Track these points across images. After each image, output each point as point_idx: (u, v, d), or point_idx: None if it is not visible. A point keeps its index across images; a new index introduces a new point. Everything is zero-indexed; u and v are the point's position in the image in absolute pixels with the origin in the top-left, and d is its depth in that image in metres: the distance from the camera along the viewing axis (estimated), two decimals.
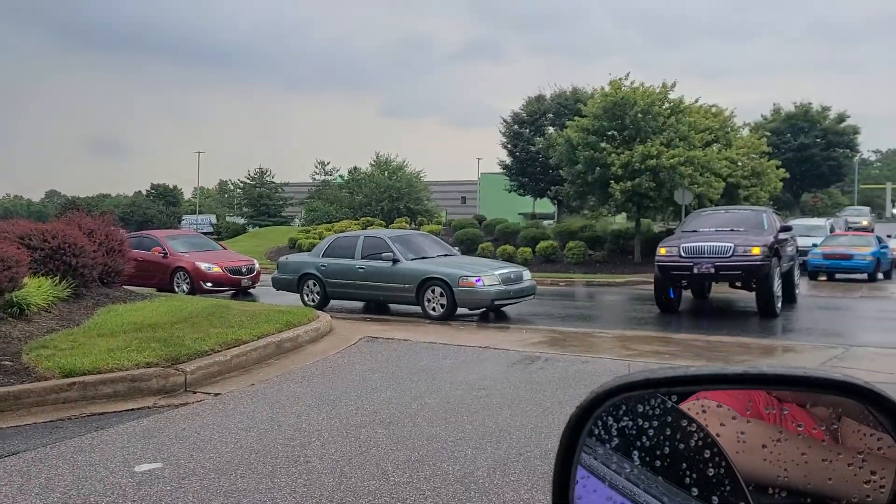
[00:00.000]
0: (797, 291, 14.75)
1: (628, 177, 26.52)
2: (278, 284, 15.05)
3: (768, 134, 45.38)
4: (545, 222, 44.22)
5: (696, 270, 11.91)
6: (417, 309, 12.90)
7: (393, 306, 14.10)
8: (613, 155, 27.07)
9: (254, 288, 17.84)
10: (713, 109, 30.64)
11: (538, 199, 43.92)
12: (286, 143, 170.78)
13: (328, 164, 68.66)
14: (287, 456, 4.55)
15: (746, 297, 13.53)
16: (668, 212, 29.53)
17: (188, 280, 16.75)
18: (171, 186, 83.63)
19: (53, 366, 6.33)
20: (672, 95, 28.56)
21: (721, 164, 27.49)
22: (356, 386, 6.62)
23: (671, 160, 25.76)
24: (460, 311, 12.75)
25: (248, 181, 69.56)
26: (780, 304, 12.21)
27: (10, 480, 4.15)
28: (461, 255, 15.67)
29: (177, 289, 16.64)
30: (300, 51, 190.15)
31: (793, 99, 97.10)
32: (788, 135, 55.35)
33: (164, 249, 17.33)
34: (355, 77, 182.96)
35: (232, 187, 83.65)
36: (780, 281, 12.31)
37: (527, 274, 13.56)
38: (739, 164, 29.49)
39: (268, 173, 69.50)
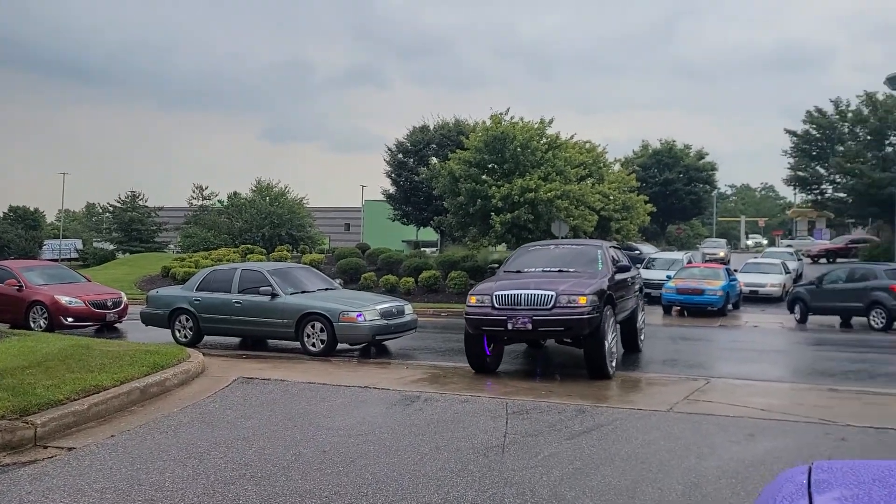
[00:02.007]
0: (641, 338, 12.88)
1: (508, 209, 27.29)
2: (148, 320, 14.28)
3: (637, 169, 48.14)
4: (428, 250, 44.58)
5: (510, 326, 9.53)
6: (297, 344, 12.59)
7: (272, 342, 13.70)
8: (494, 188, 27.79)
9: (121, 322, 16.84)
10: (587, 145, 32.22)
11: (422, 227, 44.27)
12: (161, 165, 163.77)
13: (206, 188, 66.26)
14: None
15: None
16: None
17: (46, 315, 15.59)
18: (31, 209, 77.93)
19: None
20: (549, 131, 29.76)
21: (595, 198, 28.85)
22: (227, 435, 6.33)
23: (548, 193, 26.75)
24: (341, 346, 12.56)
25: (119, 204, 65.97)
26: (614, 363, 10.04)
27: None
28: (342, 288, 15.46)
29: (33, 325, 15.44)
30: (175, 70, 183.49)
31: (659, 136, 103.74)
32: (655, 170, 58.93)
33: (19, 282, 16.08)
34: (235, 99, 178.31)
35: (101, 211, 79.18)
36: (615, 334, 10.35)
37: (408, 308, 13.55)
38: (611, 197, 31.00)
39: (141, 196, 66.25)
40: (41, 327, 15.32)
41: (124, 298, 17.24)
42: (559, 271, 10.79)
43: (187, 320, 13.59)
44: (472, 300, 10.07)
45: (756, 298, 25.74)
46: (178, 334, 13.61)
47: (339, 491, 4.80)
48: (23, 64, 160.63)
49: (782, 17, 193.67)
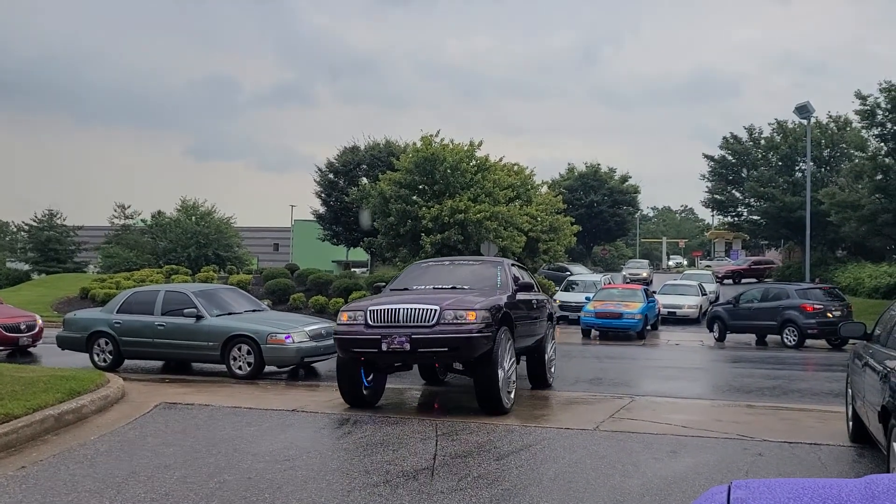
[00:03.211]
0: (551, 372, 11.12)
1: (438, 230, 27.47)
2: (64, 343, 13.68)
3: (564, 191, 49.23)
4: (359, 271, 44.30)
5: (385, 347, 8.09)
6: (223, 367, 12.29)
7: (196, 365, 13.33)
8: (424, 208, 27.95)
9: (35, 347, 16.08)
10: (515, 167, 32.79)
11: (352, 248, 44.01)
12: (80, 183, 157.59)
13: (129, 207, 64.04)
14: None
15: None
16: None
17: None
18: None
19: None
20: (479, 153, 30.18)
21: (523, 220, 29.34)
22: (147, 464, 6.11)
23: (478, 215, 27.09)
24: (269, 369, 12.33)
25: (35, 223, 63.10)
26: (511, 394, 8.76)
27: None
28: (271, 310, 15.21)
29: None
30: (91, 85, 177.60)
31: (583, 159, 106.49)
32: (581, 192, 60.49)
33: None
34: (157, 116, 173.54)
35: (15, 229, 75.55)
36: (513, 360, 8.95)
37: None
38: (539, 219, 31.56)
39: (58, 215, 63.55)
40: None
41: (39, 321, 16.47)
42: (451, 289, 9.41)
43: (107, 344, 13.09)
44: (344, 317, 8.59)
45: (674, 320, 26.54)
46: (96, 358, 13.08)
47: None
48: None
49: (695, 46, 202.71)
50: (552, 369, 11.30)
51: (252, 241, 69.84)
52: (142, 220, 59.96)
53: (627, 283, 37.61)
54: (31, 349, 16.07)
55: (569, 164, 65.19)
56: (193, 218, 50.65)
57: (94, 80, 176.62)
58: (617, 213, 61.85)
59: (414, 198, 29.12)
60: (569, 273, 35.18)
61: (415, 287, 9.68)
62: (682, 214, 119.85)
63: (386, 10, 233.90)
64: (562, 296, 27.80)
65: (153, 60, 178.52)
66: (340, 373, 8.86)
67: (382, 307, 8.42)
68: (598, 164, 63.23)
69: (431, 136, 29.61)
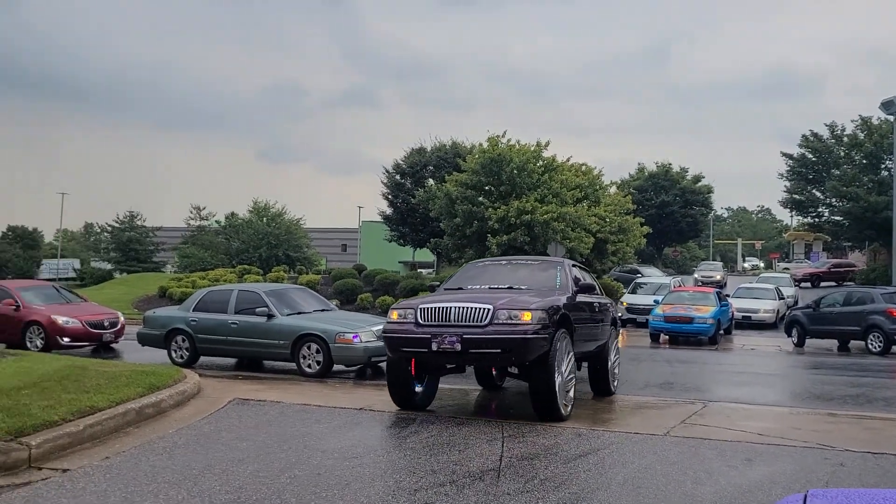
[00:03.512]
0: (614, 380, 10.54)
1: (504, 230, 27.39)
2: (144, 340, 14.25)
3: (633, 192, 48.35)
4: (425, 272, 44.60)
5: (435, 347, 7.78)
6: (293, 365, 12.57)
7: (268, 363, 13.67)
8: (490, 209, 27.91)
9: (117, 343, 16.80)
10: (583, 168, 32.40)
11: (418, 249, 44.34)
12: (159, 185, 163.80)
13: (204, 208, 66.33)
14: None
15: None
16: None
17: (43, 335, 15.55)
18: (30, 229, 77.90)
19: None
20: (546, 153, 29.96)
21: (591, 221, 28.96)
22: (222, 457, 6.30)
23: (545, 216, 26.88)
24: (337, 367, 12.54)
25: (117, 224, 66.03)
26: (570, 402, 8.34)
27: None
28: (339, 309, 15.47)
29: (30, 345, 15.39)
30: (172, 92, 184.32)
31: (653, 158, 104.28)
32: (651, 192, 59.20)
33: (16, 302, 16.05)
34: (231, 120, 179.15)
35: (99, 230, 79.22)
36: (571, 367, 8.44)
37: None
38: (607, 220, 31.10)
39: (139, 216, 66.35)
40: (37, 347, 15.27)
41: (121, 318, 17.21)
42: (508, 289, 8.98)
43: (183, 341, 13.57)
44: (394, 315, 8.37)
45: (748, 324, 25.66)
46: (174, 355, 13.58)
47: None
48: (19, 83, 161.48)
49: (773, 41, 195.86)
50: (616, 377, 10.75)
51: (321, 242, 71.25)
52: (216, 221, 62.00)
53: (699, 285, 36.66)
54: (113, 345, 16.80)
55: (639, 164, 64.02)
56: (265, 219, 52.04)
57: (171, 87, 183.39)
58: (689, 214, 60.33)
59: (480, 199, 29.12)
60: (640, 275, 34.54)
61: (469, 287, 9.35)
62: (759, 215, 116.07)
63: (451, 13, 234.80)
64: (629, 298, 27.31)
65: (226, 67, 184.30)
66: (391, 374, 8.64)
67: (433, 305, 8.12)
68: (670, 164, 61.84)
69: (498, 136, 29.57)
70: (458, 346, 7.73)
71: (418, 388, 8.78)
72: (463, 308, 7.95)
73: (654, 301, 24.00)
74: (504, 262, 10.68)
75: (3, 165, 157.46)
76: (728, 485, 5.68)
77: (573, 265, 10.26)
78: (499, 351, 7.82)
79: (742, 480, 5.82)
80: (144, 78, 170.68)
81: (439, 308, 8.05)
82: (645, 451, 6.76)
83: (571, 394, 8.43)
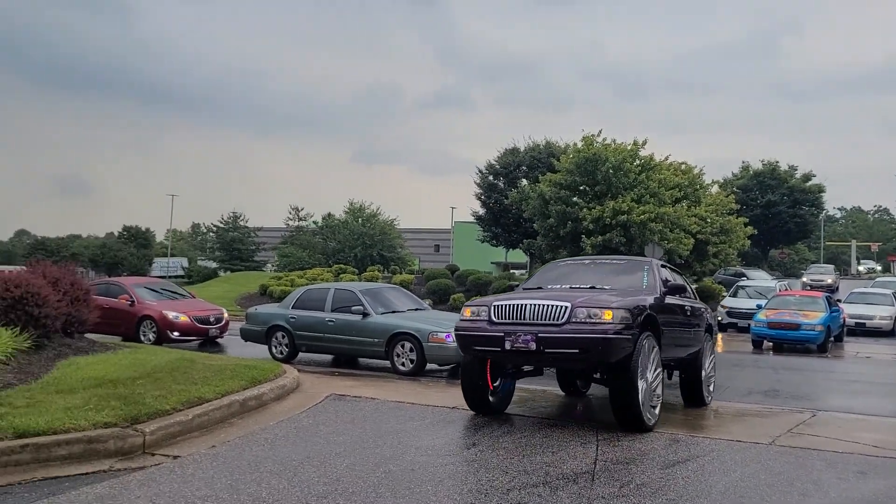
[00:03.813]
0: (709, 390, 9.83)
1: (599, 231, 26.90)
2: (247, 336, 14.85)
3: (737, 191, 46.45)
4: (517, 272, 44.41)
5: (508, 346, 7.45)
6: (387, 363, 12.79)
7: (362, 360, 13.97)
8: (585, 210, 27.48)
9: (221, 338, 17.57)
10: (683, 166, 31.39)
11: (511, 249, 44.19)
12: (260, 187, 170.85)
13: (302, 209, 68.54)
14: None
15: None
16: None
17: (155, 329, 16.46)
18: (143, 229, 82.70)
19: (6, 426, 6.13)
20: (643, 152, 29.22)
21: (690, 221, 28.04)
22: (320, 450, 6.49)
23: (641, 216, 26.21)
24: (430, 366, 12.67)
25: (222, 225, 69.12)
26: (656, 411, 7.79)
27: None
28: (432, 309, 15.62)
29: (143, 338, 16.33)
30: (270, 95, 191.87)
31: (757, 156, 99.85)
32: (756, 192, 56.65)
33: (131, 297, 17.06)
34: (327, 124, 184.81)
35: (205, 230, 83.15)
36: (658, 373, 7.88)
37: None
38: (708, 220, 30.04)
39: (241, 217, 69.23)
40: (150, 340, 16.18)
41: (225, 315, 18.00)
42: (590, 288, 8.50)
43: (283, 337, 14.05)
44: (467, 313, 8.04)
45: (862, 332, 24.12)
46: (274, 350, 14.08)
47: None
48: (133, 91, 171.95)
49: (890, 29, 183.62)
50: (711, 387, 10.03)
51: (414, 243, 72.20)
52: (314, 221, 63.89)
53: (808, 289, 34.85)
54: (218, 340, 17.59)
55: (743, 163, 61.28)
56: (360, 220, 53.20)
57: (271, 91, 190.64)
58: (797, 214, 57.31)
59: (574, 199, 28.72)
60: (745, 278, 33.18)
61: (549, 287, 8.86)
62: (876, 215, 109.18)
63: (544, 11, 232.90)
64: (729, 302, 26.27)
65: (322, 71, 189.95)
66: (464, 374, 8.26)
67: (507, 302, 7.78)
68: (777, 162, 58.96)
69: (593, 135, 29.08)
70: (533, 346, 7.34)
71: (492, 391, 8.39)
72: (539, 305, 7.56)
73: (757, 306, 22.85)
74: (587, 262, 10.20)
75: (120, 169, 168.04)
76: (839, 498, 5.38)
77: (662, 265, 9.68)
78: (576, 351, 7.32)
79: (854, 494, 5.50)
80: (244, 85, 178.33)
81: (514, 305, 7.68)
82: (748, 460, 6.49)
83: (658, 403, 7.85)
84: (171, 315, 16.58)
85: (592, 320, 7.26)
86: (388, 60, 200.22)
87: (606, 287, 8.50)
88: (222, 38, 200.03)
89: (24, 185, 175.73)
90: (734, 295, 27.13)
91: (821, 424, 8.42)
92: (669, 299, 8.67)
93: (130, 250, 71.39)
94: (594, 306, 7.37)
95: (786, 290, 26.65)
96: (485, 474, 5.78)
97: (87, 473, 5.74)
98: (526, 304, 7.61)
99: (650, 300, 8.09)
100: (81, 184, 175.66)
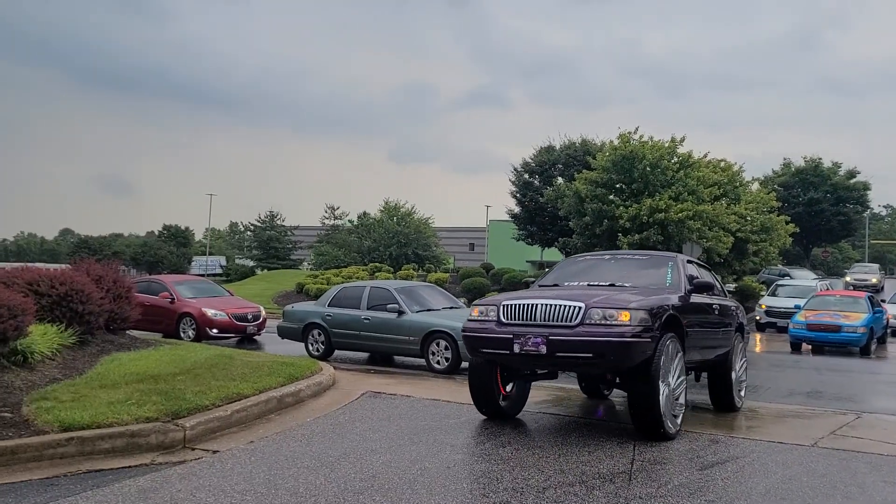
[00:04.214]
0: (739, 395, 9.27)
1: (636, 230, 26.61)
2: (283, 333, 15.03)
3: (778, 188, 45.55)
4: None
5: (517, 349, 6.98)
6: (422, 361, 12.83)
7: (398, 358, 14.03)
8: (622, 208, 27.21)
9: (259, 335, 17.80)
10: (722, 164, 30.88)
11: (546, 248, 43.96)
12: (296, 186, 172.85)
13: (338, 208, 69.13)
14: None
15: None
16: None
17: (194, 326, 16.74)
18: (182, 227, 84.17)
19: (53, 419, 6.29)
20: (681, 149, 28.83)
21: (730, 219, 27.57)
22: (356, 447, 6.54)
23: (679, 214, 25.86)
24: (465, 364, 12.66)
25: (259, 224, 70.00)
26: (678, 420, 7.24)
27: None
28: (466, 307, 15.59)
29: (183, 335, 16.62)
30: (305, 96, 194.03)
31: (800, 153, 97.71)
32: (798, 189, 55.47)
33: (171, 295, 17.37)
34: (362, 123, 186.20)
35: (242, 229, 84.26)
36: (682, 378, 7.36)
37: None
38: (748, 218, 29.51)
39: (278, 216, 70.00)
40: (189, 337, 16.46)
41: (263, 312, 18.24)
42: (609, 286, 8.02)
43: (319, 335, 14.18)
44: (475, 312, 7.59)
45: None
46: (310, 348, 14.22)
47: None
48: (171, 92, 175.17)
49: None
50: (742, 391, 9.48)
51: (449, 241, 72.24)
52: (349, 220, 64.36)
53: (850, 289, 34.02)
54: (255, 337, 17.83)
55: (784, 160, 60.00)
56: (395, 218, 53.41)
57: (307, 92, 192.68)
58: (841, 212, 55.93)
59: (611, 197, 28.46)
60: (789, 277, 32.54)
61: (566, 283, 8.38)
62: None
63: (581, 8, 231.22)
64: (768, 301, 25.78)
65: (358, 71, 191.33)
66: (472, 377, 7.78)
67: (517, 302, 7.26)
68: (819, 159, 57.60)
69: (630, 133, 28.78)
70: (544, 349, 6.84)
71: (503, 396, 7.94)
72: (550, 306, 7.03)
73: (796, 306, 22.27)
74: (607, 257, 9.51)
75: (160, 168, 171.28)
76: (884, 501, 5.25)
77: (688, 260, 9.11)
78: (590, 355, 6.76)
79: None
80: (281, 86, 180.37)
81: (524, 305, 7.17)
82: (790, 462, 6.37)
83: (681, 412, 7.30)
84: (210, 312, 16.85)
85: (608, 322, 6.74)
86: (424, 59, 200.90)
87: (627, 284, 8.08)
88: (259, 39, 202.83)
89: (68, 185, 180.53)
90: (773, 294, 26.62)
91: (865, 426, 8.22)
92: (695, 298, 8.16)
93: (170, 249, 72.76)
94: (611, 306, 6.85)
95: (827, 290, 25.97)
96: (520, 473, 5.77)
97: (129, 467, 5.86)
98: (537, 304, 7.10)
99: (674, 299, 7.60)
100: (123, 183, 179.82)
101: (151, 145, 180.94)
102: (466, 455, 6.33)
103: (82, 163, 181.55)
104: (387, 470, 5.78)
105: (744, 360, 9.73)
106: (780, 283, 28.42)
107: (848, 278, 41.91)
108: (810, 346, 19.61)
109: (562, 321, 6.90)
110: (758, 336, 23.34)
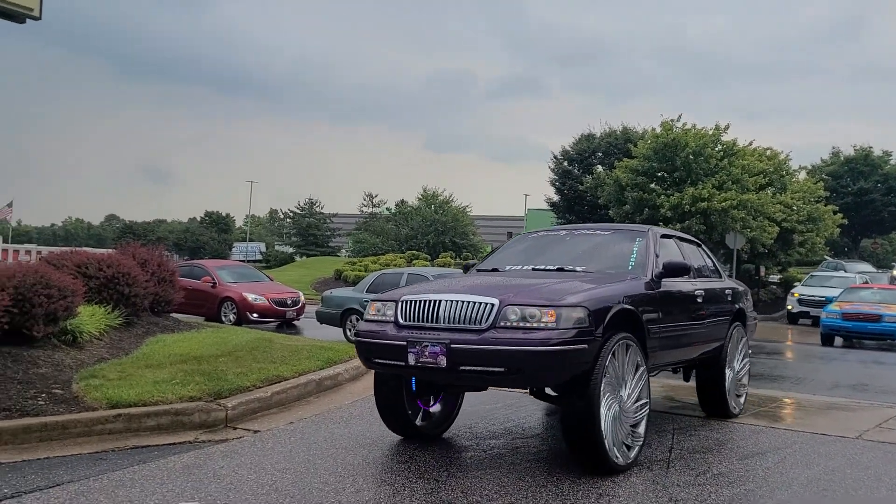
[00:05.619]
0: (737, 398, 7.85)
1: (677, 219, 26.27)
2: (322, 318, 15.21)
3: (826, 178, 44.43)
4: None
5: (412, 359, 5.28)
6: None
7: None
8: (663, 196, 26.87)
9: (298, 320, 18.06)
10: (768, 152, 30.25)
11: None
12: (334, 174, 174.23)
13: (376, 196, 69.52)
14: (321, 502, 4.56)
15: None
16: (718, 255, 29.05)
17: (235, 310, 17.05)
18: (223, 214, 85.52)
19: (101, 396, 6.49)
20: (725, 137, 28.31)
21: (775, 209, 27.03)
22: None
23: (723, 203, 25.45)
24: None
25: (298, 211, 70.81)
26: (632, 453, 5.49)
27: None
28: None
29: (224, 319, 16.94)
30: (343, 84, 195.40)
31: (849, 142, 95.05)
32: (847, 179, 53.96)
33: (213, 279, 17.70)
34: (399, 112, 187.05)
35: (282, 216, 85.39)
36: (640, 389, 5.64)
37: None
38: (794, 208, 28.89)
39: (317, 204, 70.71)
40: (230, 321, 16.77)
41: (302, 298, 18.49)
42: (557, 270, 6.43)
43: (357, 320, 14.31)
44: (371, 310, 5.92)
45: None
46: (348, 333, 14.38)
47: (500, 491, 4.86)
48: (210, 81, 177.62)
49: None
50: (742, 397, 8.03)
51: (486, 230, 72.17)
52: (387, 208, 64.70)
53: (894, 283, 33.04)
54: (294, 322, 18.09)
55: (833, 148, 58.36)
56: (433, 207, 53.52)
57: (345, 80, 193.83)
58: (892, 203, 54.25)
59: (652, 185, 28.12)
60: (844, 271, 31.73)
61: (508, 267, 6.80)
62: None
63: None
64: (802, 290, 25.12)
65: (394, 59, 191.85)
66: (377, 390, 6.17)
67: (417, 297, 5.56)
68: (870, 148, 55.88)
69: (672, 120, 28.35)
70: (444, 361, 5.15)
71: (433, 407, 6.49)
72: (455, 303, 5.35)
73: (827, 298, 21.27)
74: (563, 233, 7.65)
75: (201, 156, 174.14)
76: None
77: (663, 235, 7.30)
78: (502, 370, 5.05)
79: None
80: (319, 74, 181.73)
81: (424, 302, 5.49)
82: (833, 454, 6.25)
83: (642, 429, 5.66)
84: (250, 297, 17.14)
85: (528, 324, 5.06)
86: (460, 48, 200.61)
87: (579, 269, 6.46)
88: (296, 29, 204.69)
89: (114, 171, 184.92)
90: (808, 283, 25.86)
91: None
92: (668, 283, 6.47)
93: (211, 235, 74.08)
94: (532, 303, 5.16)
95: (866, 282, 24.97)
96: (556, 459, 5.76)
97: (174, 444, 6.01)
98: (440, 301, 5.41)
99: (633, 287, 6.00)
100: (166, 170, 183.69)
101: (192, 133, 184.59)
102: (504, 440, 6.35)
103: (127, 150, 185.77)
104: (423, 453, 5.83)
105: (745, 357, 8.20)
106: (814, 273, 27.69)
107: (894, 272, 40.70)
108: (842, 341, 18.65)
109: (469, 323, 5.23)
110: (789, 330, 22.82)
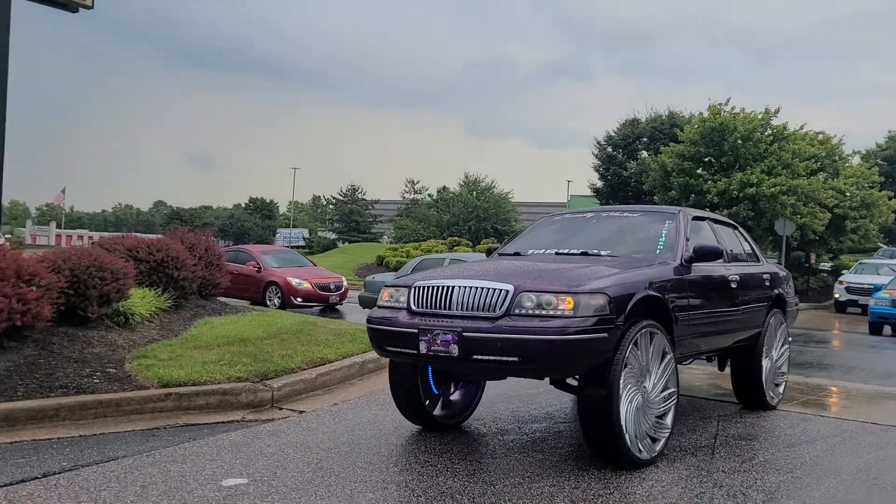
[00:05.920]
0: (775, 388, 7.50)
1: (725, 205, 25.78)
2: (365, 303, 15.37)
3: (882, 163, 43.07)
4: None
5: (424, 347, 5.09)
6: None
7: None
8: (710, 182, 26.40)
9: (341, 305, 18.27)
10: (820, 136, 29.42)
11: None
12: (377, 160, 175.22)
13: (418, 182, 69.65)
14: (365, 480, 4.63)
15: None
16: (767, 242, 28.45)
17: (279, 295, 17.33)
18: (267, 200, 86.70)
19: (152, 376, 6.68)
20: (775, 121, 27.63)
21: (827, 194, 26.34)
22: None
23: (772, 189, 24.88)
24: None
25: (340, 197, 71.41)
26: (657, 446, 5.26)
27: (108, 486, 4.41)
28: None
29: (268, 303, 17.24)
30: (385, 70, 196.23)
31: None
32: None
33: (258, 264, 18.01)
34: (440, 97, 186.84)
35: (325, 202, 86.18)
36: (666, 379, 5.38)
37: None
38: (847, 194, 28.09)
39: (359, 190, 71.21)
40: (275, 305, 17.06)
41: (345, 283, 18.70)
42: (581, 255, 6.18)
43: None
44: (384, 296, 5.78)
45: None
46: None
47: (542, 474, 4.87)
48: (254, 68, 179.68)
49: None
50: (780, 384, 7.65)
51: (529, 216, 71.71)
52: (428, 194, 64.81)
53: None
54: (337, 307, 18.31)
55: (889, 132, 56.50)
56: (474, 193, 53.45)
57: (386, 66, 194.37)
58: None
59: (698, 171, 27.62)
60: None
61: (530, 251, 6.57)
62: None
63: None
64: (850, 277, 24.43)
65: (434, 46, 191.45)
66: (392, 377, 6.04)
67: (430, 283, 5.36)
68: None
69: (720, 104, 27.76)
70: (456, 350, 4.95)
71: (454, 396, 6.36)
72: (469, 289, 5.13)
73: (875, 286, 20.55)
74: (590, 215, 7.32)
75: (247, 142, 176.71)
76: None
77: (696, 217, 6.93)
78: (516, 359, 4.83)
79: None
80: (360, 61, 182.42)
81: (437, 288, 5.29)
82: (884, 443, 6.11)
83: (669, 420, 5.40)
84: (294, 282, 17.40)
85: (544, 311, 4.83)
86: (502, 32, 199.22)
87: (603, 253, 6.17)
88: (338, 14, 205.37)
89: (162, 159, 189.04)
90: (858, 271, 25.14)
91: None
92: (700, 268, 6.18)
93: (256, 221, 75.23)
94: (549, 290, 4.93)
95: None
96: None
97: (222, 422, 6.17)
98: (453, 287, 5.22)
99: (661, 273, 5.70)
100: (211, 157, 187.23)
101: (236, 120, 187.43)
102: (547, 423, 6.36)
103: (173, 138, 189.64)
104: (463, 436, 5.87)
105: (784, 346, 7.83)
106: (864, 260, 26.87)
107: None
108: (891, 328, 18.02)
109: (483, 310, 5.02)
110: (838, 319, 22.23)
